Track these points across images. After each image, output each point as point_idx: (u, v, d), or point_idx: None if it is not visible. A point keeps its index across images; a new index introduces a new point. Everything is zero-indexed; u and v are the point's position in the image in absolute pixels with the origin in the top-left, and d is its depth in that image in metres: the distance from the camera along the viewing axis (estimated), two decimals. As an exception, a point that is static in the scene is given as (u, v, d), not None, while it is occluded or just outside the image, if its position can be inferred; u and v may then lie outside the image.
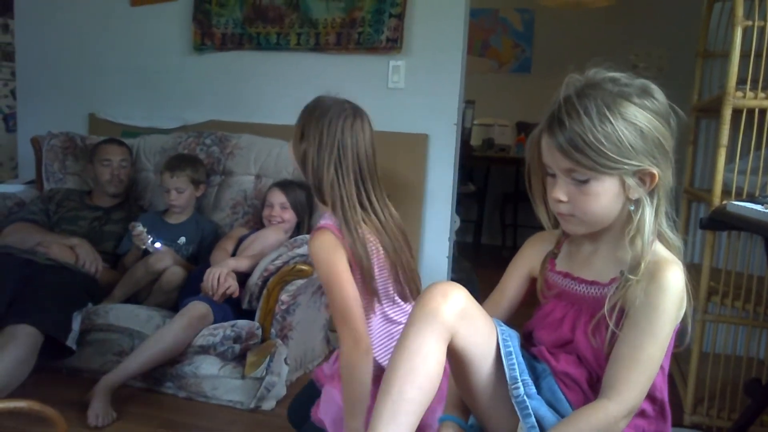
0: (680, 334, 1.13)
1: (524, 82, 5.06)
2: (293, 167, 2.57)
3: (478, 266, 3.54)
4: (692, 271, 2.36)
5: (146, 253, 2.38)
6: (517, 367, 1.14)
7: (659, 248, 1.09)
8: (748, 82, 1.92)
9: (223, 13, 2.96)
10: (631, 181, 1.06)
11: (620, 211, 1.09)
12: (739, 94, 1.91)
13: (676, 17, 4.34)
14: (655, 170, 1.06)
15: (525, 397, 1.11)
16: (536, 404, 1.10)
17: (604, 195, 1.07)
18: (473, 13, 3.11)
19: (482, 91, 4.48)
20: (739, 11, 1.89)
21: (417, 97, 2.73)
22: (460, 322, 1.12)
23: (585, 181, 1.07)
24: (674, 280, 1.05)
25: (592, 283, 1.15)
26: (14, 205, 2.63)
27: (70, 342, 2.00)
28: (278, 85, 2.95)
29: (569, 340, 1.17)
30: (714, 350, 2.07)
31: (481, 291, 2.28)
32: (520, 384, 1.13)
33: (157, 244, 2.36)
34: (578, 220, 1.11)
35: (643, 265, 1.05)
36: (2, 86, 5.59)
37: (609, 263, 1.13)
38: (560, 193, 1.09)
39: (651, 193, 1.08)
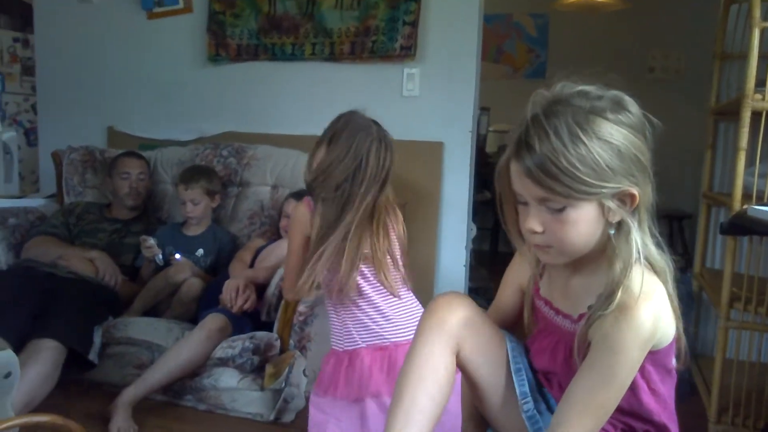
0: (678, 353, 1.07)
1: (539, 87, 5.02)
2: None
3: (495, 274, 3.52)
4: (714, 277, 2.33)
5: (160, 264, 2.40)
6: (527, 383, 1.14)
7: (636, 277, 0.98)
8: (767, 84, 1.90)
9: (237, 23, 2.98)
10: (611, 204, 0.97)
11: (600, 236, 1.01)
12: (758, 96, 1.88)
13: (692, 19, 4.30)
14: (635, 190, 0.97)
15: (535, 412, 1.11)
16: (549, 420, 1.08)
17: (583, 222, 0.98)
18: (487, 18, 3.10)
19: (497, 97, 4.46)
20: (757, 12, 1.86)
21: (431, 104, 2.73)
22: (466, 332, 1.12)
23: (561, 209, 0.98)
24: (642, 318, 0.96)
25: (567, 316, 1.11)
26: (36, 219, 2.66)
27: (92, 356, 2.03)
28: (294, 96, 2.97)
29: (554, 370, 1.15)
30: (738, 357, 2.04)
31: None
32: (530, 399, 1.12)
33: (177, 256, 2.38)
34: (556, 251, 1.03)
35: (617, 295, 0.97)
36: (23, 101, 5.67)
37: (584, 294, 1.06)
38: (534, 223, 1.00)
39: (632, 214, 0.99)
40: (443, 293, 1.18)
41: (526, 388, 1.14)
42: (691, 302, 2.48)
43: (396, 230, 1.71)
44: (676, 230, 4.08)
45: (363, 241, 1.61)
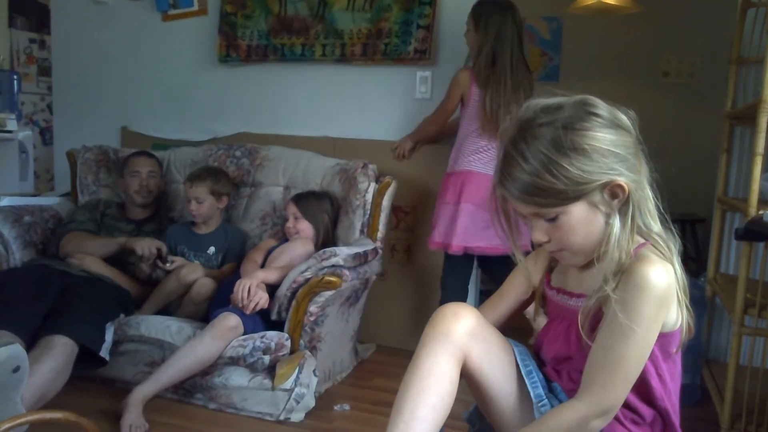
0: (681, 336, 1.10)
1: (553, 90, 5.00)
2: (321, 179, 2.60)
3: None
4: (728, 282, 2.31)
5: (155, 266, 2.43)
6: (539, 384, 1.14)
7: (647, 253, 1.05)
8: (784, 89, 1.88)
9: (248, 24, 2.99)
10: (598, 198, 1.04)
11: (604, 227, 1.07)
12: (775, 101, 1.86)
13: (706, 23, 4.27)
14: (621, 179, 1.03)
15: None
16: None
17: (579, 223, 1.06)
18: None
19: (510, 100, 4.45)
20: (774, 17, 1.85)
21: (444, 107, 2.72)
22: (472, 341, 1.13)
23: (554, 218, 1.06)
24: (653, 277, 1.01)
25: (580, 296, 1.15)
26: (51, 217, 2.69)
27: (104, 353, 2.04)
28: (305, 97, 2.98)
29: (568, 355, 1.17)
30: (751, 364, 2.01)
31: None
32: (546, 402, 1.13)
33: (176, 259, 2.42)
34: (569, 253, 1.11)
35: (616, 268, 1.03)
36: (39, 101, 5.74)
37: (597, 275, 1.10)
38: (539, 234, 1.09)
39: (626, 202, 1.05)
40: (447, 303, 1.20)
41: (540, 390, 1.15)
42: (703, 307, 2.45)
43: None
44: (689, 234, 4.05)
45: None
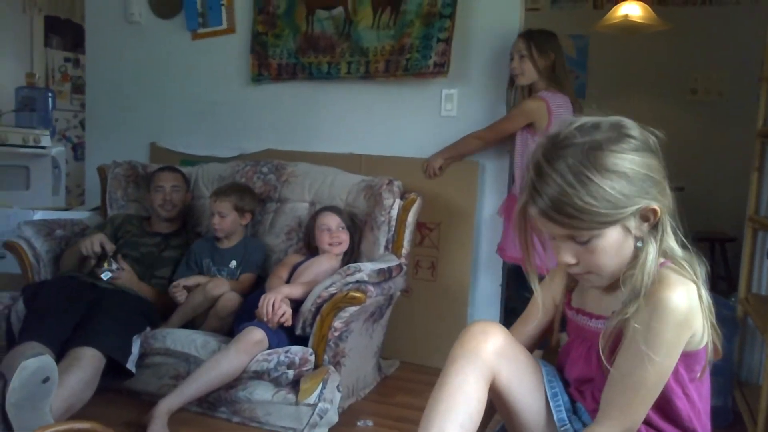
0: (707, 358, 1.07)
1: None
2: (346, 195, 2.61)
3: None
4: (760, 302, 2.26)
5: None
6: (563, 407, 1.13)
7: (665, 274, 1.03)
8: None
9: (278, 43, 3.04)
10: (632, 224, 1.02)
11: (632, 251, 1.05)
12: (808, 118, 1.83)
13: (735, 40, 4.23)
14: (655, 204, 1.02)
15: None
16: None
17: (611, 247, 1.03)
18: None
19: (535, 117, 4.44)
20: (806, 34, 1.82)
21: (469, 124, 2.72)
22: (501, 360, 1.12)
23: (587, 241, 1.03)
24: (674, 302, 0.99)
25: (599, 317, 1.13)
26: (80, 231, 2.74)
27: (130, 365, 2.07)
28: (331, 114, 3.00)
29: (590, 376, 1.15)
30: (785, 386, 1.96)
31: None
32: (569, 426, 1.11)
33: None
34: (596, 276, 1.08)
35: (642, 292, 1.01)
36: (72, 117, 5.87)
37: (619, 297, 1.08)
38: (567, 256, 1.06)
39: (655, 226, 1.04)
40: (476, 321, 1.19)
41: (563, 414, 1.13)
42: (735, 328, 2.40)
43: None
44: (718, 253, 3.97)
45: None
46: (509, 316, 2.80)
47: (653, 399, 1.03)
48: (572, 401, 1.17)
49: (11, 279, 2.74)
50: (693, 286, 1.02)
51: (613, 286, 1.11)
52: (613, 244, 1.03)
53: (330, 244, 2.38)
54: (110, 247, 2.38)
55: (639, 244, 1.04)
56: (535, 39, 2.49)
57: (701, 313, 1.02)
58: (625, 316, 1.01)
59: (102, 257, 2.35)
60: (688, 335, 1.02)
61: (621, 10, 3.85)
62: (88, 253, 2.36)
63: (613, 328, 1.04)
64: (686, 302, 1.00)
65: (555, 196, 1.00)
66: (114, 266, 2.33)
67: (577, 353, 1.18)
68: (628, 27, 3.89)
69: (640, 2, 3.84)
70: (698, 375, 1.08)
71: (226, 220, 2.53)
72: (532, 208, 1.04)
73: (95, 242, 2.36)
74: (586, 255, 1.04)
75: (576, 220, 1.00)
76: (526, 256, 1.15)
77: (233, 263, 2.53)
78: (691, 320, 1.01)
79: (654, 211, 1.02)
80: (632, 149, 1.01)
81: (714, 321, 1.05)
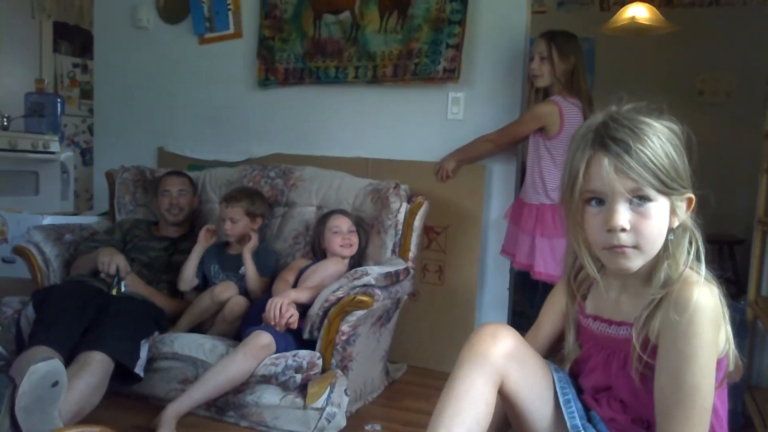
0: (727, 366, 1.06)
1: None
2: (353, 199, 2.62)
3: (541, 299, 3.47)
4: (769, 305, 2.24)
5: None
6: (576, 414, 1.12)
7: (691, 273, 1.05)
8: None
9: (285, 48, 3.05)
10: (680, 204, 1.04)
11: (664, 240, 1.06)
12: (817, 120, 1.82)
13: (742, 42, 4.21)
14: (693, 196, 1.06)
15: None
16: None
17: (660, 218, 1.03)
18: (533, 42, 3.10)
19: (542, 120, 4.43)
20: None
21: (476, 128, 2.72)
22: (510, 363, 1.10)
23: (644, 203, 1.02)
24: (702, 299, 0.98)
25: (620, 323, 1.11)
26: (89, 236, 2.75)
27: (139, 369, 2.07)
28: (339, 119, 3.01)
29: (608, 384, 1.13)
30: (796, 390, 1.95)
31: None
32: None
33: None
34: (637, 252, 1.04)
35: (676, 278, 1.02)
36: (81, 122, 5.89)
37: (638, 302, 1.07)
38: (623, 220, 1.01)
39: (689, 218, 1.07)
40: (485, 324, 1.17)
41: (577, 421, 1.12)
42: (744, 331, 2.39)
43: None
44: (726, 256, 3.95)
45: None
46: (517, 320, 2.80)
47: (711, 405, 0.99)
48: (586, 409, 1.16)
49: (21, 284, 2.75)
50: (715, 287, 1.02)
51: (627, 288, 1.10)
52: (662, 216, 1.03)
53: (341, 246, 2.38)
54: (125, 273, 2.40)
55: (671, 237, 1.05)
56: (556, 41, 2.43)
57: (724, 315, 1.02)
58: (650, 310, 1.02)
59: (114, 278, 2.37)
60: (719, 334, 1.01)
61: (628, 12, 3.84)
62: (103, 270, 2.38)
63: (641, 329, 1.03)
64: (714, 300, 1.00)
65: (636, 144, 1.01)
66: (123, 290, 2.36)
67: (594, 361, 1.16)
68: (635, 29, 3.88)
69: (647, 4, 3.83)
70: (719, 384, 1.05)
71: (237, 226, 2.54)
72: (605, 157, 1.02)
73: (113, 265, 2.37)
74: (639, 220, 1.02)
75: (648, 171, 1.00)
76: (574, 230, 1.10)
77: (242, 269, 2.53)
78: (719, 317, 1.00)
79: (690, 201, 1.06)
80: (680, 142, 1.06)
81: (731, 330, 1.04)
